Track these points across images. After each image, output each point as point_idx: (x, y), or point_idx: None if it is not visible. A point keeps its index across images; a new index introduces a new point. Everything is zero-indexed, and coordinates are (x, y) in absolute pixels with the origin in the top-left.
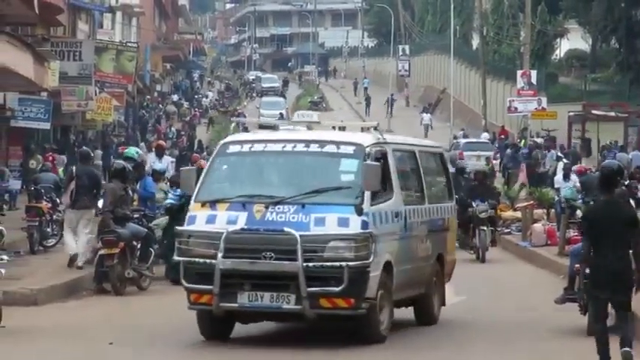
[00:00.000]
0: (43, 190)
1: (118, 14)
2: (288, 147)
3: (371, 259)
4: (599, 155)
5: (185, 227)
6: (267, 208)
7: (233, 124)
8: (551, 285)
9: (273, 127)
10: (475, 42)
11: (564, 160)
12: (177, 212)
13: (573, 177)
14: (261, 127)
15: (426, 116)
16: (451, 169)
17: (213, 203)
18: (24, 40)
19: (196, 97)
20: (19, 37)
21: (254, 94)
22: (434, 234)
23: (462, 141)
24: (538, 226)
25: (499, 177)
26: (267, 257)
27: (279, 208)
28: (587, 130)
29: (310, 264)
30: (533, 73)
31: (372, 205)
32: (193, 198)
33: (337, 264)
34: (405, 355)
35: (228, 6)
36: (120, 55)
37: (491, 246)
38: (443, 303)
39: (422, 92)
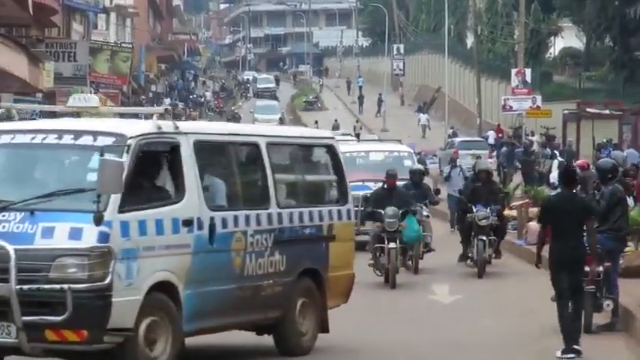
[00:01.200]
0: None
1: (112, 15)
2: (38, 139)
3: (108, 280)
4: (594, 152)
5: None
6: None
7: (1, 111)
8: (547, 283)
9: (55, 114)
10: (469, 41)
11: (559, 159)
12: None
13: None
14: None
15: (424, 116)
16: (456, 170)
17: None
18: (18, 41)
19: (191, 97)
20: (13, 39)
21: (249, 95)
22: (294, 245)
23: (457, 139)
24: (533, 225)
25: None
26: None
27: (3, 216)
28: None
29: (26, 286)
30: (528, 72)
31: (128, 210)
32: None
33: (58, 287)
34: None
35: (222, 6)
36: (114, 56)
37: (495, 258)
38: (323, 329)
39: (416, 91)
